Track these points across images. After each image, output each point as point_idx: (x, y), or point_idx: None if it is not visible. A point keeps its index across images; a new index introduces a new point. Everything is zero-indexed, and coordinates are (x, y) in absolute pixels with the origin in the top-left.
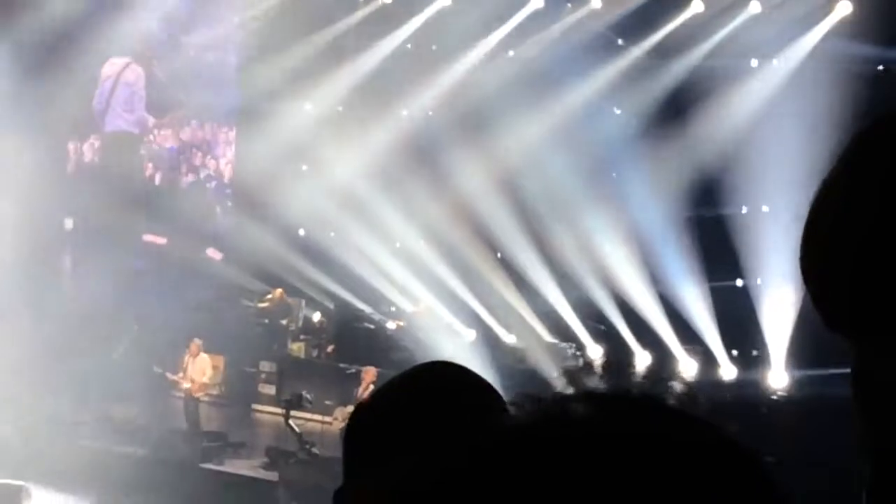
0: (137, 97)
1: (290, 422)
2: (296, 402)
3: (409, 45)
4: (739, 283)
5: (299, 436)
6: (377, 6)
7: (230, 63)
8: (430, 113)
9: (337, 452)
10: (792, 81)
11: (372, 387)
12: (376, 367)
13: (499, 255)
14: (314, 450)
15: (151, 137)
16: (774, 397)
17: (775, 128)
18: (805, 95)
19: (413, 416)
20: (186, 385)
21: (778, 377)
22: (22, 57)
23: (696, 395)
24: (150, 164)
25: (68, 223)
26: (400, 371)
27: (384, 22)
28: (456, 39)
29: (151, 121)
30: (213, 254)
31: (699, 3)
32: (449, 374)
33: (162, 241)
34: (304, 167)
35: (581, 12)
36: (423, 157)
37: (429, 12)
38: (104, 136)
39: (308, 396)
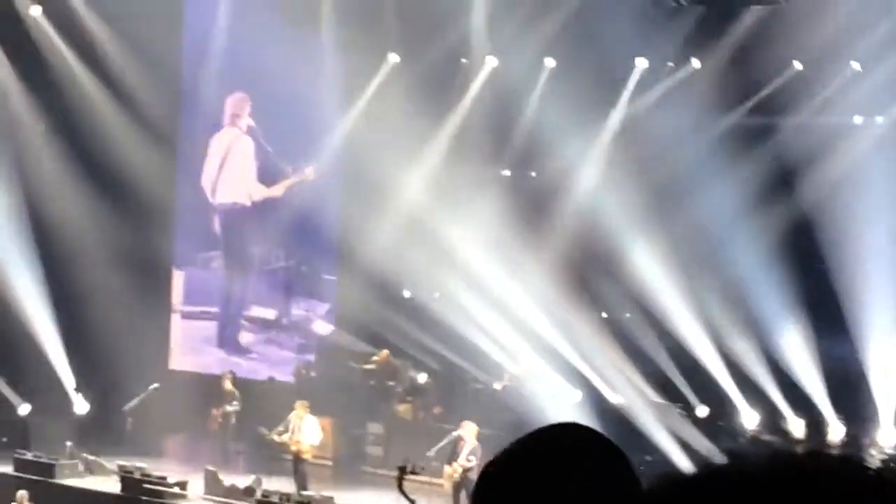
0: (248, 168)
1: (404, 488)
2: (409, 468)
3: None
4: (845, 340)
5: (412, 502)
6: (488, 72)
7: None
8: (534, 174)
9: None
10: None
11: (474, 443)
12: (479, 426)
13: (604, 314)
14: None
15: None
16: (884, 456)
17: (881, 183)
18: None
19: (546, 478)
20: (294, 447)
21: (888, 435)
22: None
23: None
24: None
25: None
26: (506, 431)
27: (491, 87)
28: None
29: (261, 190)
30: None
31: (797, 63)
32: (578, 436)
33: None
34: (409, 229)
35: (682, 73)
36: (528, 218)
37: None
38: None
39: (420, 463)
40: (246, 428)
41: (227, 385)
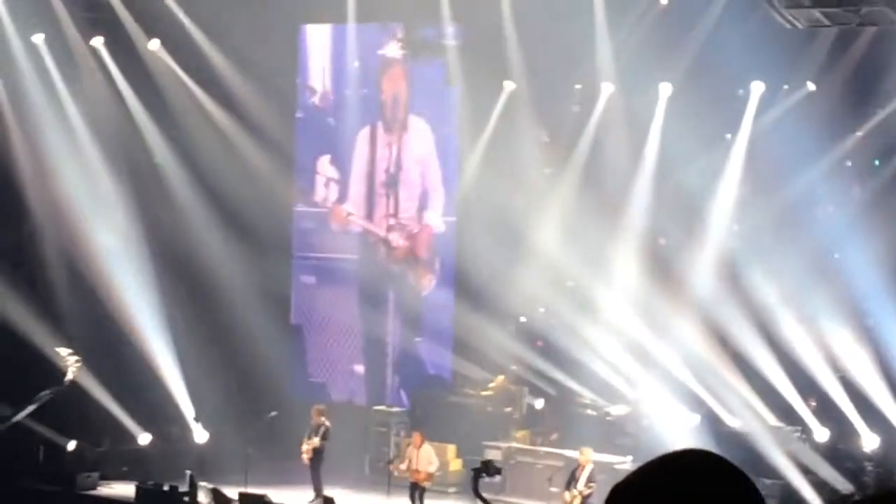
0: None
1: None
2: (486, 469)
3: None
4: None
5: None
6: (606, 103)
7: (450, 165)
8: (648, 200)
9: None
10: None
11: (589, 468)
12: (597, 452)
13: (721, 337)
14: None
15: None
16: None
17: None
18: None
19: (674, 501)
20: (412, 477)
21: None
22: None
23: None
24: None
25: None
26: (625, 456)
27: (610, 110)
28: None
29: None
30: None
31: None
32: (706, 461)
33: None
34: (526, 257)
35: (798, 95)
36: (644, 244)
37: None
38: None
39: (497, 465)
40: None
41: (319, 418)
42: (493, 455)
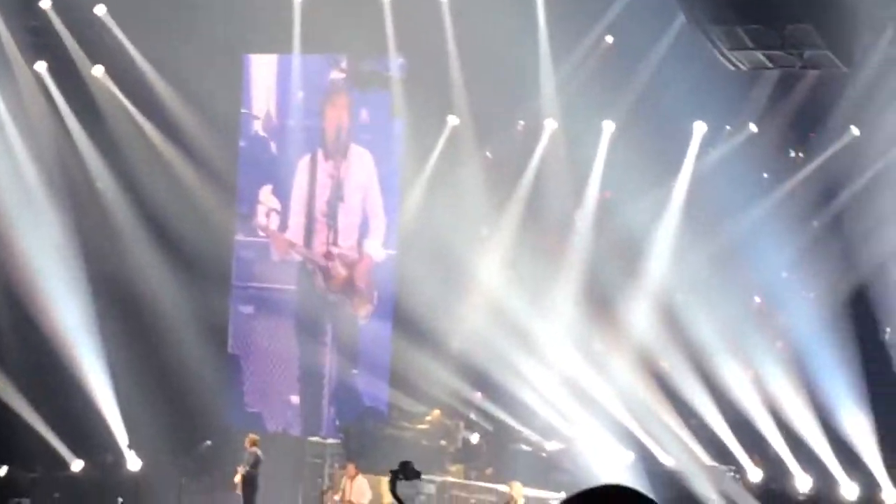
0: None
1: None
2: (404, 472)
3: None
4: None
5: None
6: (549, 139)
7: (392, 196)
8: (589, 238)
9: None
10: None
11: (521, 503)
12: (531, 487)
13: (658, 376)
14: None
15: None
16: None
17: None
18: None
19: None
20: None
21: None
22: None
23: None
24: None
25: None
26: (559, 492)
27: (553, 147)
28: (618, 166)
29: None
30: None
31: (855, 128)
32: (624, 497)
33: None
34: (466, 290)
35: (740, 136)
36: (585, 281)
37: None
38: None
39: (416, 469)
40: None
41: (250, 447)
42: (428, 489)
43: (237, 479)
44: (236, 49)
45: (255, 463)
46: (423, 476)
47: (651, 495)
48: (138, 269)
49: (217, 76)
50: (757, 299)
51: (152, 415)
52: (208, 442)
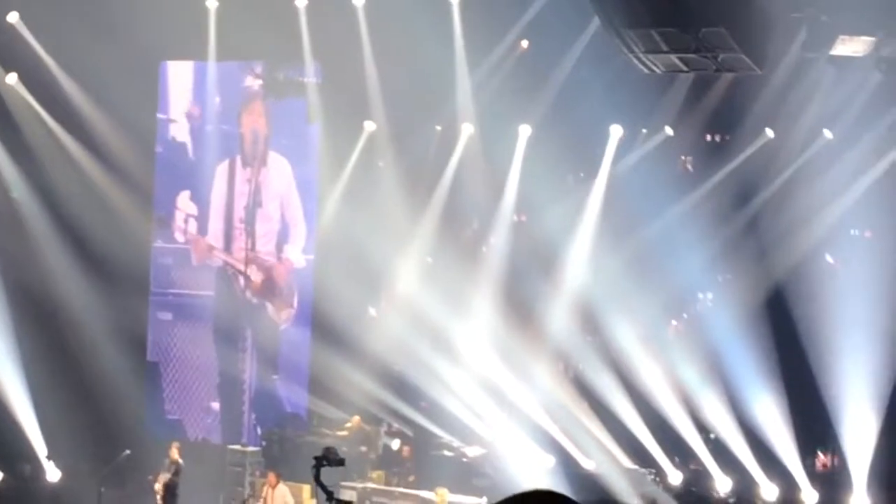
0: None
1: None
2: (327, 458)
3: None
4: (820, 395)
5: (329, 493)
6: (465, 144)
7: (310, 202)
8: (507, 241)
9: None
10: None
11: None
12: (453, 493)
13: (577, 380)
14: None
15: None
16: None
17: (855, 255)
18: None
19: None
20: None
21: (860, 501)
22: None
23: None
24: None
25: None
26: (480, 497)
27: (470, 151)
28: (535, 170)
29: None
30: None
31: (769, 130)
32: (550, 502)
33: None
34: (384, 295)
35: (656, 139)
36: (503, 286)
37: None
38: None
39: (341, 456)
40: (217, 493)
41: (174, 454)
42: (349, 496)
43: (158, 486)
44: (152, 56)
45: (177, 471)
46: (343, 483)
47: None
48: (55, 277)
49: (133, 83)
50: (674, 302)
51: (71, 425)
52: (128, 451)
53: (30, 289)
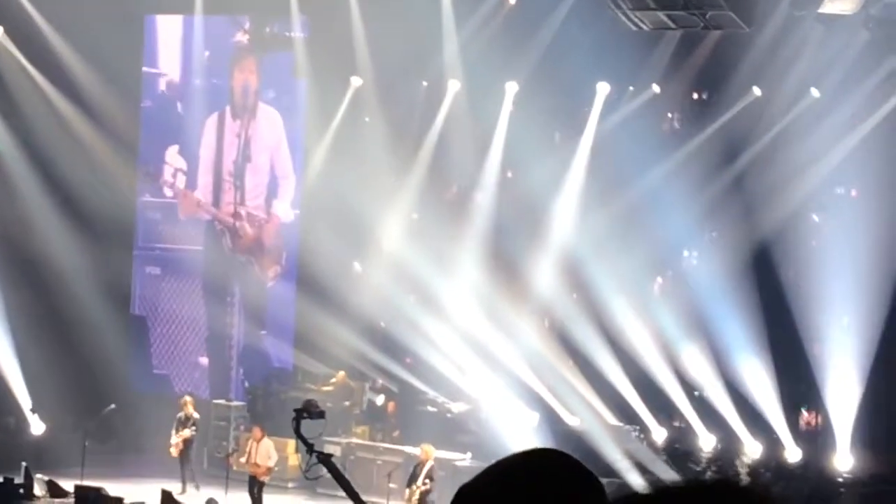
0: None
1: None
2: (307, 410)
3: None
4: (805, 354)
5: (310, 445)
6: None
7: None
8: (493, 198)
9: None
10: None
11: (429, 465)
12: (437, 449)
13: (562, 337)
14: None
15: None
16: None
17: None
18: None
19: (521, 500)
20: (251, 470)
21: (844, 459)
22: None
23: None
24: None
25: None
26: (465, 453)
27: (456, 108)
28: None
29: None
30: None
31: (757, 88)
32: (553, 460)
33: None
34: (370, 251)
35: (643, 96)
36: (489, 242)
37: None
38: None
39: (321, 409)
40: (202, 448)
41: (188, 409)
42: (333, 450)
43: (175, 442)
44: (138, 9)
45: (195, 425)
46: (327, 438)
47: None
48: (41, 231)
49: (119, 37)
50: (660, 259)
51: (56, 378)
52: (112, 406)
53: (15, 243)
